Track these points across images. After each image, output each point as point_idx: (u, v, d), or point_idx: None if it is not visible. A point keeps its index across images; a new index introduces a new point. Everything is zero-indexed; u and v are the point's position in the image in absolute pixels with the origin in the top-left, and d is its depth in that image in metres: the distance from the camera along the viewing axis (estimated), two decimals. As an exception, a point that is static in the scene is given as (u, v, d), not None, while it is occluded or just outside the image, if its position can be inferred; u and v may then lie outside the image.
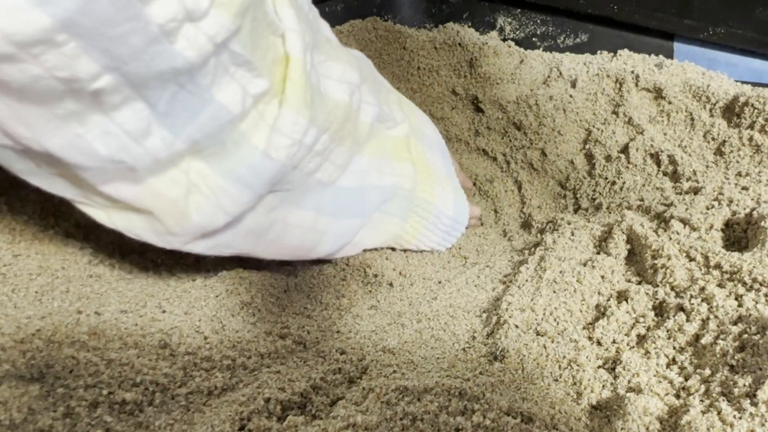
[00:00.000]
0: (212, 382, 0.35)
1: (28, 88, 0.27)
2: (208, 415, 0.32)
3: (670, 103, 0.67)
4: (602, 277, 0.47)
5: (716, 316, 0.37)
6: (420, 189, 0.57)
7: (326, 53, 0.44)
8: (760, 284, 0.38)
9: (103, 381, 0.32)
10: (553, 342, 0.41)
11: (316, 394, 0.36)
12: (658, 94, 0.69)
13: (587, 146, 0.72)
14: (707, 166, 0.61)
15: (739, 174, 0.57)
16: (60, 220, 0.49)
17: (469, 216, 0.64)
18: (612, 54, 0.78)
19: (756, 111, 0.59)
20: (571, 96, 0.75)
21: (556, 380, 0.37)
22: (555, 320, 0.43)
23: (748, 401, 0.29)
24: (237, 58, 0.34)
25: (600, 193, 0.68)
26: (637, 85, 0.71)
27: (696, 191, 0.56)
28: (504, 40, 0.87)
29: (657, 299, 0.41)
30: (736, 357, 0.33)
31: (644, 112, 0.70)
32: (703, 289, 0.40)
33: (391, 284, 0.56)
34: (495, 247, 0.66)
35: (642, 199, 0.61)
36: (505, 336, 0.42)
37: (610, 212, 0.63)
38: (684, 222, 0.49)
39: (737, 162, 0.59)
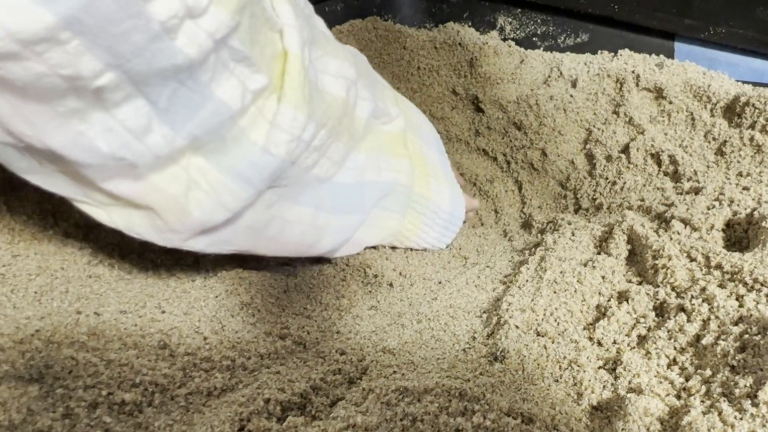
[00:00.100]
0: (212, 383, 0.35)
1: (31, 85, 0.27)
2: (207, 415, 0.32)
3: (670, 102, 0.67)
4: (603, 277, 0.47)
5: (717, 317, 0.37)
6: (417, 184, 0.57)
7: (323, 49, 0.44)
8: (761, 284, 0.38)
9: (103, 381, 0.32)
10: (553, 342, 0.40)
11: (316, 394, 0.35)
12: (658, 93, 0.69)
13: (588, 146, 0.72)
14: (708, 166, 0.61)
15: (740, 174, 0.57)
16: (59, 220, 0.48)
17: (466, 209, 0.64)
18: (612, 54, 0.78)
19: (757, 111, 0.59)
20: (571, 96, 0.75)
21: (557, 381, 0.37)
22: (555, 321, 0.43)
23: (749, 402, 0.29)
24: (236, 54, 0.34)
25: (600, 193, 0.68)
26: (637, 84, 0.71)
27: (697, 191, 0.55)
28: (504, 39, 0.87)
29: (658, 300, 0.41)
30: (737, 357, 0.33)
31: (645, 111, 0.70)
32: (704, 289, 0.40)
33: (391, 284, 0.56)
34: (495, 248, 0.66)
35: (643, 199, 0.61)
36: (506, 336, 0.42)
37: (610, 212, 0.63)
38: (685, 222, 0.49)
39: (738, 162, 0.59)
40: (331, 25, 0.88)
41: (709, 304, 0.38)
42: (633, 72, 0.71)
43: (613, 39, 0.79)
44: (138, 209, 0.37)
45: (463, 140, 0.84)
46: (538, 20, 0.85)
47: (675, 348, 0.37)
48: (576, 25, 0.82)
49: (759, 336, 0.33)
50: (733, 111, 0.62)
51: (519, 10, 0.86)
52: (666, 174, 0.64)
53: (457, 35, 0.87)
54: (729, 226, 0.48)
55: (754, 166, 0.57)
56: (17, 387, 0.30)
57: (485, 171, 0.81)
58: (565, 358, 0.38)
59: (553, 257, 0.51)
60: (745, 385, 0.30)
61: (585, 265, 0.49)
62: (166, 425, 0.31)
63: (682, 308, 0.39)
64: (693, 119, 0.65)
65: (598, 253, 0.52)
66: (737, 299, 0.38)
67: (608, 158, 0.69)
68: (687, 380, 0.34)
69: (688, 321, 0.38)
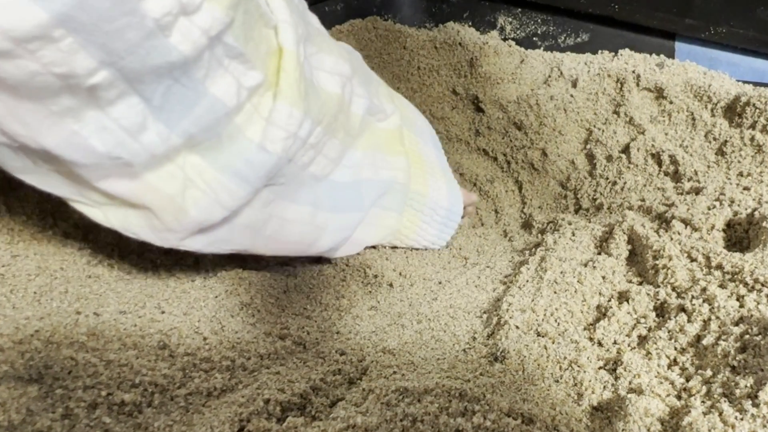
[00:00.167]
0: (211, 383, 0.35)
1: (24, 84, 0.27)
2: (207, 416, 0.32)
3: (671, 102, 0.67)
4: (603, 277, 0.47)
5: (718, 317, 0.36)
6: (413, 182, 0.57)
7: (318, 45, 0.44)
8: (762, 285, 0.38)
9: (102, 382, 0.32)
10: (553, 343, 0.40)
11: (316, 395, 0.35)
12: (659, 93, 0.69)
13: (588, 146, 0.72)
14: (709, 166, 0.61)
15: (741, 174, 0.57)
16: (59, 220, 0.48)
17: (465, 203, 0.63)
18: (613, 53, 0.78)
19: (758, 111, 0.59)
20: (572, 96, 0.74)
21: (557, 381, 0.37)
22: (556, 321, 0.43)
23: (750, 402, 0.29)
24: (230, 51, 0.34)
25: (601, 194, 0.68)
26: (638, 84, 0.71)
27: (697, 191, 0.55)
28: (504, 39, 0.87)
29: (658, 300, 0.41)
30: (737, 358, 0.32)
31: (645, 111, 0.70)
32: (704, 289, 0.39)
33: (391, 285, 0.56)
34: (495, 248, 0.66)
35: (643, 200, 0.61)
36: (506, 337, 0.42)
37: (611, 212, 0.63)
38: (685, 222, 0.49)
39: (739, 162, 0.59)
40: (331, 25, 0.89)
41: (709, 305, 0.38)
42: (633, 72, 0.71)
43: (613, 39, 0.78)
44: (134, 209, 0.36)
45: (463, 140, 0.84)
46: (539, 20, 0.85)
47: (675, 348, 0.37)
48: (576, 24, 0.81)
49: (760, 336, 0.33)
50: (733, 111, 0.62)
51: (519, 9, 0.86)
52: (666, 174, 0.64)
53: (458, 35, 0.87)
54: (730, 226, 0.48)
55: (755, 166, 0.57)
56: (16, 387, 0.30)
57: (485, 171, 0.81)
58: (565, 358, 0.38)
59: (553, 257, 0.51)
60: (746, 386, 0.30)
61: (585, 265, 0.49)
62: (165, 426, 0.31)
63: (682, 308, 0.39)
64: (693, 119, 0.65)
65: (599, 254, 0.52)
66: (738, 299, 0.38)
67: (609, 158, 0.69)
68: (687, 381, 0.34)
69: (689, 321, 0.37)
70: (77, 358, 0.33)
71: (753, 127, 0.59)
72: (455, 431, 0.30)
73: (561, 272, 0.48)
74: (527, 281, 0.50)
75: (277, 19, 0.38)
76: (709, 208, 0.50)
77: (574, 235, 0.56)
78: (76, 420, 0.30)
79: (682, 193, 0.57)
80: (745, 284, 0.39)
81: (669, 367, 0.36)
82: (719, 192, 0.52)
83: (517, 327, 0.43)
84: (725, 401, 0.30)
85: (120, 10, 0.27)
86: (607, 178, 0.68)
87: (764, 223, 0.44)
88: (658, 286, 0.43)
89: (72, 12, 0.25)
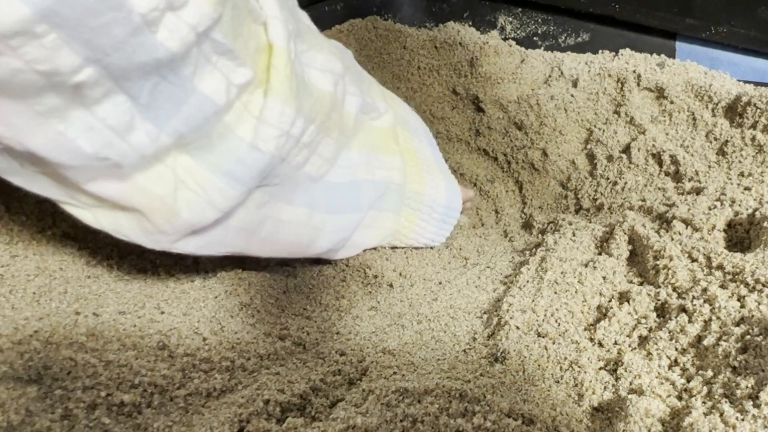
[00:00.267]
0: (211, 384, 0.35)
1: (6, 83, 0.26)
2: (206, 416, 0.32)
3: (672, 102, 0.67)
4: (604, 278, 0.47)
5: (718, 317, 0.36)
6: (410, 181, 0.57)
7: (308, 43, 0.44)
8: (763, 285, 0.38)
9: (102, 382, 0.32)
10: (554, 343, 0.40)
11: (316, 395, 0.35)
12: (660, 93, 0.69)
13: (589, 146, 0.72)
14: (709, 167, 0.61)
15: (742, 174, 0.57)
16: (58, 220, 0.48)
17: (462, 199, 0.63)
18: (614, 53, 0.78)
19: (758, 111, 0.59)
20: (572, 95, 0.74)
21: (558, 382, 0.37)
22: (556, 321, 0.43)
23: (751, 403, 0.29)
24: (219, 47, 0.33)
25: (601, 194, 0.68)
26: (638, 84, 0.70)
27: (698, 191, 0.55)
28: (505, 39, 0.87)
29: (659, 300, 0.41)
30: (738, 358, 0.32)
31: (646, 111, 0.70)
32: (705, 290, 0.39)
33: (391, 285, 0.55)
34: (496, 248, 0.66)
35: (644, 200, 0.61)
36: (506, 337, 0.42)
37: (611, 213, 0.63)
38: (686, 222, 0.49)
39: (740, 162, 0.59)
40: (331, 24, 0.88)
41: (710, 305, 0.38)
42: (634, 72, 0.71)
43: (614, 38, 0.78)
44: (124, 211, 0.36)
45: (463, 140, 0.84)
46: (539, 20, 0.85)
47: (676, 349, 0.37)
48: (577, 24, 0.81)
49: (760, 337, 0.33)
50: (734, 111, 0.62)
51: (519, 9, 0.86)
52: (667, 174, 0.63)
53: (458, 35, 0.87)
54: (730, 226, 0.48)
55: (756, 166, 0.57)
56: (16, 388, 0.30)
57: (486, 171, 0.81)
58: (565, 359, 0.38)
59: (553, 258, 0.51)
60: (747, 386, 0.30)
61: (586, 265, 0.49)
62: (165, 426, 0.31)
63: (683, 309, 0.39)
64: (694, 119, 0.65)
65: (599, 254, 0.52)
66: (739, 300, 0.38)
67: (609, 158, 0.69)
68: (688, 381, 0.34)
69: (690, 322, 0.37)
70: (76, 359, 0.33)
71: (754, 127, 0.59)
72: (455, 432, 0.29)
73: (561, 272, 0.48)
74: (528, 281, 0.50)
75: (266, 15, 0.37)
76: (710, 209, 0.50)
77: (574, 235, 0.56)
78: (75, 421, 0.30)
79: (682, 193, 0.57)
80: (746, 284, 0.38)
81: (670, 367, 0.36)
82: (720, 192, 0.52)
83: (518, 327, 0.43)
84: (726, 402, 0.30)
85: (105, 5, 0.26)
86: (608, 178, 0.68)
87: (765, 224, 0.44)
88: (659, 287, 0.43)
89: (55, 7, 0.24)
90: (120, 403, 0.32)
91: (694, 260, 0.44)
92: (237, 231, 0.42)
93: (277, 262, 0.55)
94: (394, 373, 0.38)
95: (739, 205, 0.49)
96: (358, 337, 0.46)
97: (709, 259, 0.43)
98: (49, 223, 0.48)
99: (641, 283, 0.46)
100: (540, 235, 0.65)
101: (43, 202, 0.48)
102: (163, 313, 0.42)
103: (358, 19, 0.92)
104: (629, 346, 0.39)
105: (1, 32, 0.24)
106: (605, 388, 0.36)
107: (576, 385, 0.36)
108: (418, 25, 0.94)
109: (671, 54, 0.74)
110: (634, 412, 0.32)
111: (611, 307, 0.43)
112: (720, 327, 0.36)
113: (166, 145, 0.34)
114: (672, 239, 0.47)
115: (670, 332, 0.37)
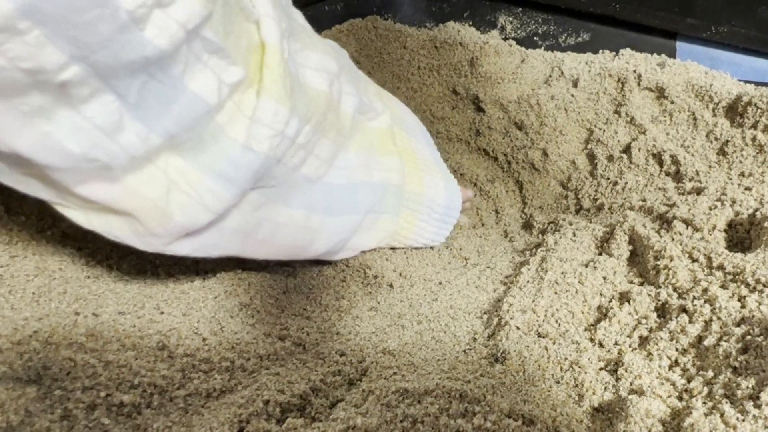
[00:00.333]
0: (211, 384, 0.35)
1: None
2: (206, 417, 0.32)
3: (672, 102, 0.67)
4: (604, 278, 0.47)
5: (719, 318, 0.36)
6: (408, 181, 0.56)
7: (302, 42, 0.43)
8: (764, 285, 0.38)
9: (101, 383, 0.32)
10: (554, 344, 0.40)
11: (316, 396, 0.35)
12: (660, 93, 0.69)
13: (589, 146, 0.72)
14: (710, 167, 0.61)
15: (742, 174, 0.57)
16: (57, 220, 0.48)
17: (462, 199, 0.63)
18: (614, 53, 0.78)
19: (759, 111, 0.59)
20: (572, 95, 0.74)
21: (558, 382, 0.37)
22: (556, 322, 0.43)
23: (752, 403, 0.29)
24: (209, 45, 0.33)
25: (602, 194, 0.68)
26: (639, 84, 0.70)
27: (699, 192, 0.55)
28: (505, 39, 0.87)
29: (659, 300, 0.41)
30: (739, 359, 0.32)
31: (646, 111, 0.69)
32: (705, 290, 0.39)
33: (391, 285, 0.55)
34: (496, 248, 0.66)
35: (644, 200, 0.61)
36: (506, 338, 0.42)
37: (612, 213, 0.63)
38: (687, 223, 0.49)
39: (740, 162, 0.59)
40: (330, 24, 0.88)
41: (711, 305, 0.38)
42: (634, 71, 0.71)
43: (614, 38, 0.78)
44: (116, 214, 0.35)
45: (463, 140, 0.84)
46: (539, 19, 0.85)
47: (677, 349, 0.36)
48: (577, 24, 0.81)
49: (761, 337, 0.33)
50: (735, 111, 0.62)
51: (520, 9, 0.86)
52: (668, 174, 0.63)
53: (458, 34, 0.87)
54: (731, 226, 0.48)
55: (756, 166, 0.57)
56: (15, 388, 0.30)
57: (486, 171, 0.81)
58: (566, 359, 0.38)
59: (554, 258, 0.51)
60: (748, 387, 0.30)
61: (586, 265, 0.49)
62: (164, 427, 0.31)
63: (683, 309, 0.39)
64: (695, 119, 0.65)
65: (600, 254, 0.52)
66: (739, 300, 0.38)
67: (610, 158, 0.69)
68: (689, 381, 0.34)
69: (690, 322, 0.37)
70: (76, 359, 0.33)
71: (754, 127, 0.59)
72: (455, 433, 0.29)
73: (562, 273, 0.48)
74: (528, 282, 0.50)
75: (259, 13, 0.37)
76: (710, 209, 0.50)
77: (575, 235, 0.56)
78: (74, 421, 0.30)
79: (683, 194, 0.57)
80: (747, 285, 0.38)
81: (670, 368, 0.36)
82: (721, 192, 0.52)
83: (518, 328, 0.43)
84: (727, 402, 0.30)
85: (90, 1, 0.25)
86: (608, 178, 0.68)
87: (766, 224, 0.44)
88: (660, 287, 0.43)
89: (38, 2, 0.24)
90: (119, 404, 0.32)
91: (694, 260, 0.44)
92: (232, 233, 0.41)
93: (277, 263, 0.55)
94: (394, 373, 0.38)
95: (740, 206, 0.49)
96: (358, 337, 0.46)
97: (709, 259, 0.43)
98: (48, 223, 0.48)
99: (642, 284, 0.46)
100: (540, 236, 0.65)
101: (42, 202, 0.48)
102: (162, 313, 0.42)
103: (357, 18, 0.92)
104: (630, 346, 0.39)
105: None
106: (606, 388, 0.36)
107: (576, 386, 0.36)
108: (418, 25, 0.94)
109: (672, 54, 0.73)
110: (634, 412, 0.32)
111: (612, 308, 0.42)
112: (720, 327, 0.36)
113: (157, 145, 0.33)
114: (672, 239, 0.47)
115: (670, 332, 0.37)
